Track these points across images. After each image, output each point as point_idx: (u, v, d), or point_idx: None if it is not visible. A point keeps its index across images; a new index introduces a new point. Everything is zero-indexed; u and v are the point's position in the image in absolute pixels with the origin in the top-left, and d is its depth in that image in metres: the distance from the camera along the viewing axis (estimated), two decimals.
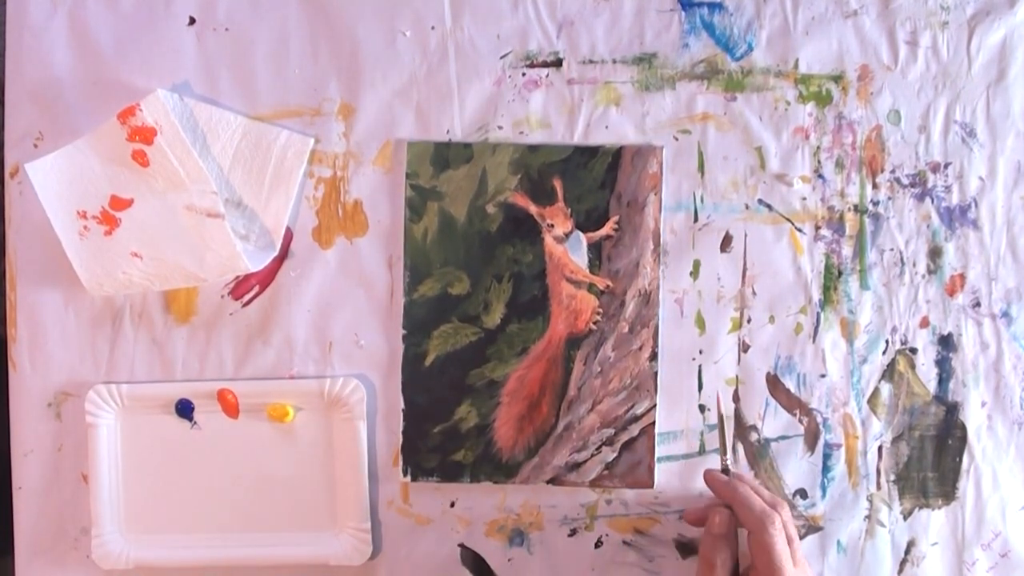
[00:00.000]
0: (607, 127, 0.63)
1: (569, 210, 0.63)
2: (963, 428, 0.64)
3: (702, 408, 0.63)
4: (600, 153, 0.63)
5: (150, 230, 0.61)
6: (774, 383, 0.63)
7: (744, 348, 0.63)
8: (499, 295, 0.63)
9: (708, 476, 0.60)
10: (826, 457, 0.64)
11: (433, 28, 0.63)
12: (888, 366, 0.64)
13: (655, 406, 0.63)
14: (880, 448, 0.64)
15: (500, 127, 0.63)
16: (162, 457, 0.63)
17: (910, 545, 0.64)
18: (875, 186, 0.63)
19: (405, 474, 0.63)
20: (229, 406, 0.63)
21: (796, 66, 0.63)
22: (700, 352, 0.63)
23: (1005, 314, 0.64)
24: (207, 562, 0.63)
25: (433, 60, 0.63)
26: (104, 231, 0.61)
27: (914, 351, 0.64)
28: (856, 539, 0.64)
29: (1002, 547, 0.64)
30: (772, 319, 0.64)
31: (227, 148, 0.62)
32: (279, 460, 0.63)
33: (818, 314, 0.64)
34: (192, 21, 0.63)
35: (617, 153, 0.63)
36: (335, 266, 0.63)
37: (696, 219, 0.63)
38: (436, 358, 0.63)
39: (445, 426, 0.63)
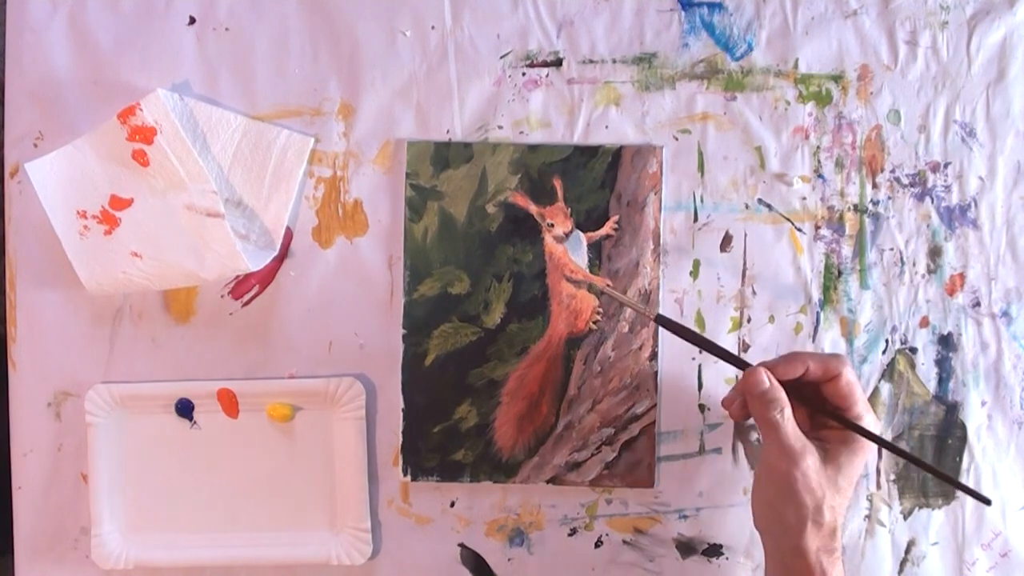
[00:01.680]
0: (607, 127, 0.63)
1: (569, 210, 0.63)
2: (963, 428, 0.64)
3: (702, 408, 0.63)
4: (600, 153, 0.63)
5: (150, 230, 0.61)
6: None
7: (744, 348, 0.63)
8: (499, 295, 0.63)
9: (767, 364, 0.56)
10: None
11: (433, 28, 0.63)
12: (888, 366, 0.64)
13: (655, 406, 0.63)
14: (880, 448, 0.64)
15: (500, 127, 0.63)
16: (162, 457, 0.63)
17: (910, 545, 0.64)
18: (875, 186, 0.63)
19: (405, 474, 0.63)
20: (229, 406, 0.63)
21: (796, 66, 0.63)
22: (700, 352, 0.63)
23: (1005, 314, 0.64)
24: (207, 562, 0.63)
25: (433, 60, 0.63)
26: (104, 231, 0.61)
27: (914, 351, 0.64)
28: (856, 539, 0.64)
29: (1002, 547, 0.64)
30: (772, 319, 0.64)
31: (227, 148, 0.62)
32: (279, 460, 0.63)
33: (818, 314, 0.64)
34: (192, 21, 0.63)
35: (617, 153, 0.63)
36: (335, 266, 0.63)
37: (696, 219, 0.63)
38: (436, 358, 0.63)
39: (445, 426, 0.63)
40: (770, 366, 0.56)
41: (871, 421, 0.55)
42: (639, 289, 0.63)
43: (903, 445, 0.63)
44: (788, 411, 0.54)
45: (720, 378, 0.63)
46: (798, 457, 0.53)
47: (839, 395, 0.55)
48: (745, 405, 0.57)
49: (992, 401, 0.64)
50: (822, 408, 0.56)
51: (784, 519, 0.53)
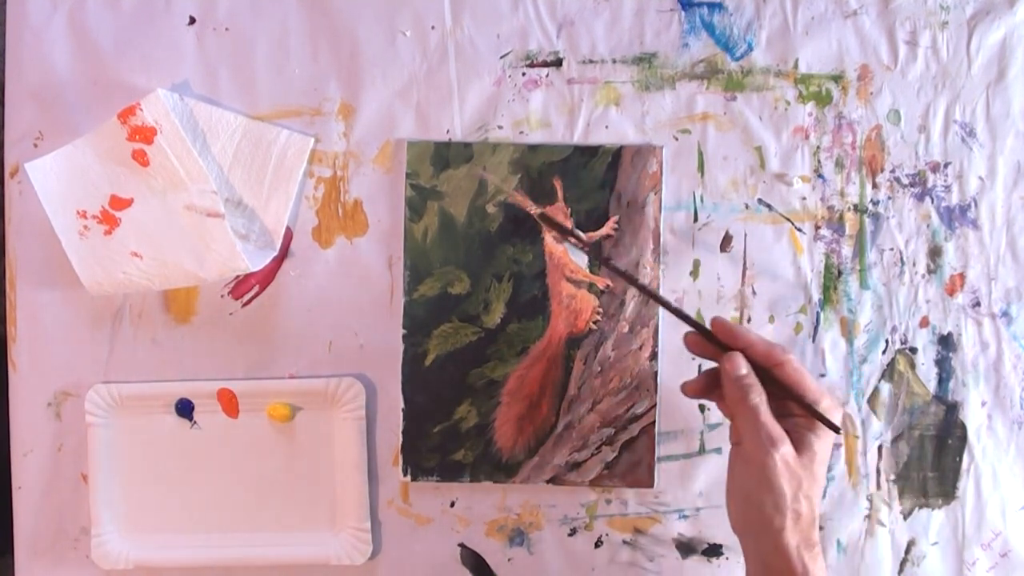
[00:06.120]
0: (607, 127, 0.63)
1: (569, 210, 0.63)
2: (963, 428, 0.64)
3: (702, 408, 0.63)
4: (600, 153, 0.63)
5: (150, 230, 0.61)
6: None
7: None
8: (499, 295, 0.63)
9: (716, 322, 0.55)
10: None
11: (433, 28, 0.63)
12: (888, 366, 0.64)
13: (655, 406, 0.63)
14: (880, 448, 0.64)
15: (500, 127, 0.63)
16: (162, 457, 0.63)
17: (910, 545, 0.64)
18: (875, 186, 0.63)
19: (405, 474, 0.63)
20: (229, 406, 0.63)
21: (796, 66, 0.63)
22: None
23: (1005, 314, 0.64)
24: (207, 562, 0.63)
25: (433, 60, 0.63)
26: (104, 231, 0.61)
27: (914, 351, 0.64)
28: (856, 539, 0.64)
29: (1002, 547, 0.64)
30: (772, 319, 0.64)
31: (227, 148, 0.62)
32: (279, 460, 0.63)
33: (818, 314, 0.64)
34: (192, 21, 0.63)
35: (617, 153, 0.63)
36: (335, 266, 0.63)
37: (696, 219, 0.63)
38: (436, 358, 0.63)
39: (445, 426, 0.63)
40: (719, 328, 0.54)
41: (828, 405, 0.54)
42: None
43: (903, 445, 0.64)
44: (764, 397, 0.53)
45: None
46: (777, 443, 0.52)
47: (790, 382, 0.54)
48: (701, 383, 0.56)
49: (992, 401, 0.64)
50: (784, 393, 0.54)
51: (763, 512, 0.52)
